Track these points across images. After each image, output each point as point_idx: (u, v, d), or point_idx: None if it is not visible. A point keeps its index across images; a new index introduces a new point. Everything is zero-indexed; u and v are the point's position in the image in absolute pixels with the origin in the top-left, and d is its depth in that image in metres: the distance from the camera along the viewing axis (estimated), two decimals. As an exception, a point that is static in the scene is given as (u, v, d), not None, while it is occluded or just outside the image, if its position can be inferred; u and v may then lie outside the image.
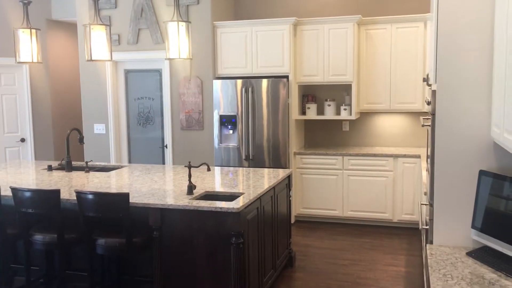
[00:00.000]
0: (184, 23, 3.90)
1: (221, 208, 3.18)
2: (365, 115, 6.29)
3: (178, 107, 6.28)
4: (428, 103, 2.94)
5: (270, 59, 5.92)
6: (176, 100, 6.28)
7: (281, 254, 4.24)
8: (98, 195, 3.32)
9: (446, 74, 2.48)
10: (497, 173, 2.39)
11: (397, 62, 5.82)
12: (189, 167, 3.51)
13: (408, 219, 5.66)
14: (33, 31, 4.39)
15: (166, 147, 6.42)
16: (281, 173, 4.35)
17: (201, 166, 4.19)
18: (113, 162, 6.52)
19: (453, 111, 2.49)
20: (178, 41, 3.84)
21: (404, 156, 5.62)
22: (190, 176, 3.52)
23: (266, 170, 4.59)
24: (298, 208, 6.04)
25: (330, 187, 5.90)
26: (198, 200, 3.39)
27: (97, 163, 5.21)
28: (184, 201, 3.32)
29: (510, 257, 2.21)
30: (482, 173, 2.44)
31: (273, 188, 3.95)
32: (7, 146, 7.09)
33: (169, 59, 4.01)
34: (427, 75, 3.77)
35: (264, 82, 5.87)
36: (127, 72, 6.59)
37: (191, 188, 3.51)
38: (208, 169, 3.59)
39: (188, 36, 3.94)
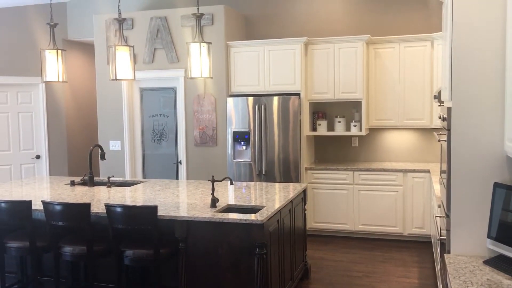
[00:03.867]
0: (205, 44, 4.09)
1: (245, 220, 3.33)
2: (374, 131, 6.47)
3: (192, 124, 6.46)
4: (444, 120, 3.10)
5: (282, 77, 6.12)
6: (190, 117, 6.46)
7: (298, 266, 4.37)
8: (127, 208, 3.47)
9: (461, 91, 2.64)
10: (511, 185, 2.53)
11: (405, 79, 6.01)
12: (213, 181, 3.67)
13: (418, 233, 5.79)
14: (59, 52, 4.59)
15: (180, 163, 6.58)
16: (298, 187, 4.50)
17: (223, 181, 4.34)
18: (128, 178, 6.67)
19: (468, 127, 2.64)
20: (200, 61, 4.03)
21: (414, 171, 5.78)
22: (213, 189, 3.67)
23: (282, 184, 4.74)
24: (310, 222, 6.17)
25: (341, 201, 6.04)
26: (223, 213, 3.54)
27: (117, 179, 5.36)
28: (209, 214, 3.47)
29: (526, 264, 2.34)
30: (496, 185, 2.58)
31: (291, 202, 4.10)
32: (22, 162, 7.25)
33: (192, 78, 4.19)
34: (439, 93, 3.95)
35: (276, 99, 6.06)
36: (143, 90, 6.79)
37: (214, 201, 3.67)
38: (231, 183, 3.74)
39: (209, 56, 4.14)
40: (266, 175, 6.13)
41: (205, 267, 3.53)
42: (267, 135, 6.12)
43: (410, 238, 5.89)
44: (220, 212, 3.60)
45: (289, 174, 6.05)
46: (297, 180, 6.00)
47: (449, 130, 2.77)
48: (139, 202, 3.97)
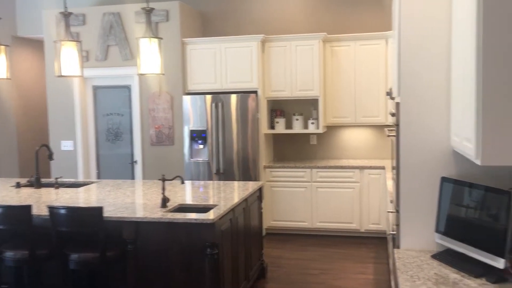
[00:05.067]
0: (156, 39, 3.97)
1: (195, 219, 3.24)
2: (332, 128, 6.48)
3: (148, 123, 6.30)
4: (393, 115, 3.11)
5: (239, 75, 6.05)
6: (146, 116, 6.30)
7: (253, 265, 4.31)
8: (71, 210, 3.31)
9: (408, 87, 2.64)
10: (457, 179, 2.55)
11: (361, 77, 6.05)
12: (163, 180, 3.56)
13: (375, 229, 5.84)
14: (2, 47, 4.36)
15: (136, 163, 6.40)
16: (253, 185, 4.44)
17: (173, 180, 4.22)
18: (81, 179, 6.44)
19: (415, 122, 2.64)
20: (150, 56, 3.90)
21: (370, 167, 5.82)
22: (164, 189, 3.56)
23: (237, 183, 4.67)
24: (269, 221, 6.13)
25: (299, 199, 6.02)
26: (173, 213, 3.43)
27: (66, 180, 5.15)
28: (158, 214, 3.36)
29: (472, 258, 2.35)
30: (443, 179, 2.59)
31: (245, 200, 4.03)
32: (-31, 164, 6.90)
33: (141, 74, 4.06)
34: (390, 89, 3.97)
35: (233, 97, 5.98)
36: (96, 88, 6.57)
37: (164, 201, 3.55)
38: (182, 182, 3.64)
39: (160, 51, 4.01)
40: (224, 174, 6.05)
41: (155, 269, 3.41)
42: (225, 133, 6.03)
43: (367, 234, 5.93)
44: (170, 212, 3.49)
45: (248, 172, 5.99)
46: (255, 178, 5.95)
47: (397, 125, 2.77)
48: (87, 204, 3.81)
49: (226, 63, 6.08)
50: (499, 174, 2.50)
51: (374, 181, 5.81)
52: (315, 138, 6.56)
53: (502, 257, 2.15)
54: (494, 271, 2.21)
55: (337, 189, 5.92)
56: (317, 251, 5.42)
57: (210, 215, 3.28)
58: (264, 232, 6.05)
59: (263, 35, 6.02)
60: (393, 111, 3.18)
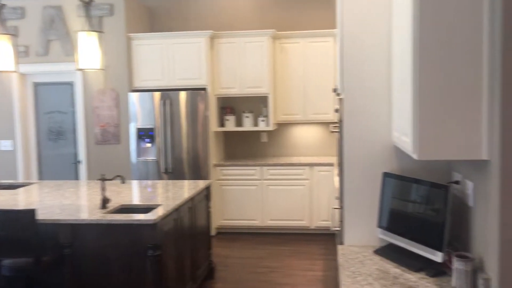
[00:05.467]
0: (95, 33, 3.79)
1: (136, 220, 3.11)
2: (283, 126, 6.47)
3: (93, 121, 6.06)
4: (337, 111, 3.09)
5: (188, 71, 5.92)
6: (90, 114, 6.06)
7: (201, 266, 4.21)
8: (1, 213, 3.10)
9: (351, 84, 2.63)
10: (398, 174, 2.56)
11: (310, 74, 6.07)
12: (102, 179, 3.40)
13: (324, 225, 5.87)
14: None
15: (80, 162, 6.15)
16: (200, 184, 4.34)
17: (113, 180, 4.07)
18: (21, 180, 6.12)
19: (358, 118, 2.63)
20: (89, 51, 3.73)
21: (319, 164, 5.85)
22: (103, 189, 3.40)
23: (184, 182, 4.55)
24: (219, 220, 6.04)
25: (250, 197, 5.97)
26: (112, 214, 3.28)
27: (3, 181, 4.86)
28: (97, 215, 3.20)
29: (412, 252, 2.36)
30: (385, 175, 2.60)
31: (191, 199, 3.92)
32: None
33: (80, 69, 3.87)
34: (337, 86, 3.98)
35: (182, 94, 5.85)
36: (37, 85, 6.26)
37: (104, 201, 3.40)
38: (122, 182, 3.49)
39: (101, 46, 3.84)
40: (173, 173, 5.91)
41: (94, 273, 3.25)
42: (173, 131, 5.89)
43: (317, 231, 5.95)
44: (110, 213, 3.34)
45: (198, 171, 5.87)
46: (206, 177, 5.84)
47: (341, 121, 2.75)
48: (21, 206, 3.59)
49: (174, 59, 5.94)
50: (438, 168, 2.53)
51: (324, 178, 5.84)
52: (266, 135, 6.53)
53: (440, 250, 2.17)
54: (433, 265, 2.22)
55: (287, 187, 5.91)
56: (267, 249, 5.38)
57: (152, 216, 3.16)
58: (214, 232, 5.97)
59: (211, 31, 5.92)
60: (338, 107, 3.17)
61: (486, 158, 1.87)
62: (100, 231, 3.20)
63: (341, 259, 2.50)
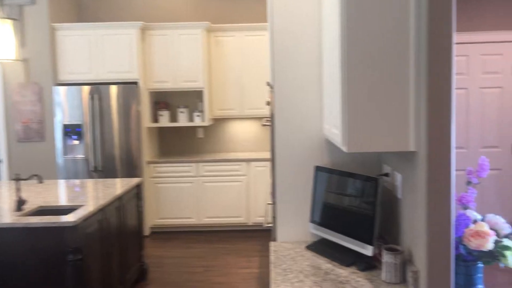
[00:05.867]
0: (9, 21, 3.47)
1: (54, 222, 2.87)
2: (219, 121, 6.34)
3: (14, 117, 5.63)
4: (268, 104, 3.01)
5: (118, 64, 5.64)
6: (11, 109, 5.62)
7: (131, 268, 4.00)
8: None
9: (282, 77, 2.56)
10: (330, 167, 2.51)
11: (247, 68, 5.97)
12: (17, 179, 3.11)
13: (262, 221, 5.81)
14: None
15: (1, 162, 5.70)
16: (128, 182, 4.12)
17: (33, 179, 3.76)
18: None
19: (290, 111, 2.56)
20: (2, 40, 3.40)
21: (256, 160, 5.77)
22: (18, 190, 3.12)
23: (114, 180, 4.31)
24: (153, 219, 5.82)
25: (186, 195, 5.80)
26: (28, 216, 3.02)
27: None
28: (10, 219, 2.92)
29: (344, 247, 2.32)
30: (317, 168, 2.54)
31: (119, 199, 3.70)
32: None
33: (-8, 59, 3.54)
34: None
35: (113, 88, 5.57)
36: (-52, 78, 5.73)
37: (20, 203, 3.11)
38: (40, 181, 3.22)
39: (16, 35, 3.52)
40: (103, 171, 5.61)
41: (9, 281, 2.97)
42: (104, 127, 5.59)
43: (255, 227, 5.89)
44: (26, 215, 3.06)
45: (131, 169, 5.62)
46: (139, 175, 5.60)
47: (272, 114, 2.67)
48: None
49: (103, 51, 5.64)
50: (369, 161, 2.52)
51: (261, 174, 5.77)
52: (202, 131, 6.37)
53: (371, 244, 2.14)
54: (364, 258, 2.19)
55: (224, 183, 5.79)
56: (203, 247, 5.24)
57: (72, 217, 2.93)
58: (148, 231, 5.74)
59: (142, 22, 5.67)
60: (269, 100, 3.09)
61: (413, 150, 1.87)
62: (16, 235, 2.93)
63: (273, 256, 2.42)
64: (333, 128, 2.17)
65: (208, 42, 5.93)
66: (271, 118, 2.73)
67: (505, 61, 4.84)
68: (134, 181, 4.18)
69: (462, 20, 4.67)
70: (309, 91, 2.55)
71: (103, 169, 5.61)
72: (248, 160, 5.77)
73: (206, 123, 5.93)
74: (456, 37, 1.70)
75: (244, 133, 6.37)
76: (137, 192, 4.21)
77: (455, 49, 1.69)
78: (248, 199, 5.80)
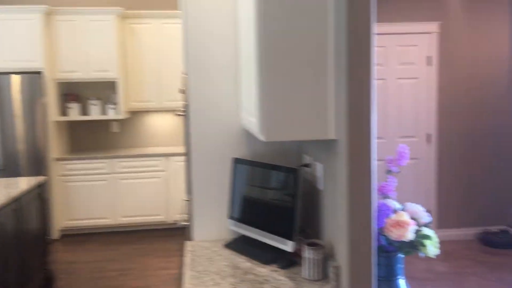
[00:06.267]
0: None
1: None
2: (136, 114, 5.99)
3: None
4: (183, 92, 2.78)
5: (19, 52, 5.12)
6: None
7: (33, 277, 3.60)
8: None
9: (197, 64, 2.37)
10: (249, 159, 2.36)
11: (164, 58, 5.67)
12: None
13: (180, 219, 5.58)
14: None
15: None
16: (29, 181, 3.70)
17: None
18: None
19: (205, 99, 2.39)
20: None
21: (176, 154, 5.51)
22: None
23: (14, 179, 3.87)
24: (63, 221, 5.37)
25: (99, 193, 5.40)
26: None
27: None
28: None
29: (264, 243, 2.18)
30: (235, 160, 2.38)
31: (16, 200, 3.30)
32: None
33: None
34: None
35: (15, 78, 5.05)
36: None
37: None
38: None
39: None
40: (5, 170, 5.08)
41: None
42: (4, 121, 5.05)
43: (175, 226, 5.63)
44: None
45: (36, 167, 5.12)
46: (46, 173, 5.12)
47: (187, 103, 2.46)
48: None
49: (2, 38, 5.08)
50: (290, 152, 2.42)
51: (181, 169, 5.52)
52: (117, 125, 5.98)
53: (291, 239, 2.01)
54: (286, 255, 2.06)
55: (142, 180, 5.47)
56: (119, 249, 4.91)
57: (-46, 224, 2.53)
58: (57, 235, 5.29)
59: (47, 6, 5.17)
60: (183, 87, 2.87)
61: (334, 138, 1.77)
62: None
63: (188, 257, 2.22)
64: (250, 116, 2.02)
65: (122, 29, 5.55)
66: (185, 107, 2.52)
67: (419, 52, 4.97)
68: (36, 180, 3.77)
69: (380, 11, 4.72)
70: (225, 77, 2.38)
71: (5, 167, 5.07)
72: (167, 155, 5.49)
73: (121, 116, 5.56)
74: (375, 27, 1.63)
75: (162, 126, 6.07)
76: (39, 192, 3.80)
77: (375, 39, 1.63)
78: (167, 196, 5.52)
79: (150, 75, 5.67)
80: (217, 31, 2.35)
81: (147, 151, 5.62)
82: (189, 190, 2.59)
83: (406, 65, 4.96)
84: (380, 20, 4.68)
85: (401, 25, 4.91)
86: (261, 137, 1.79)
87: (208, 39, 2.35)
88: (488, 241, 4.96)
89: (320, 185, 2.05)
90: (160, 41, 5.64)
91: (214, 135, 2.40)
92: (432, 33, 4.94)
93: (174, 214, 5.56)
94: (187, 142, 2.53)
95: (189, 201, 2.62)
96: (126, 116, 5.72)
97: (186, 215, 3.03)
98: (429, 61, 4.97)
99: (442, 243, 4.82)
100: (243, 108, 2.27)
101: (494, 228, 5.13)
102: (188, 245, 2.39)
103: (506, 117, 5.11)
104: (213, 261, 2.14)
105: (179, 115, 2.83)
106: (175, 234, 5.40)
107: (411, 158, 5.01)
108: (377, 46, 4.81)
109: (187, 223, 2.76)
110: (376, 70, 4.77)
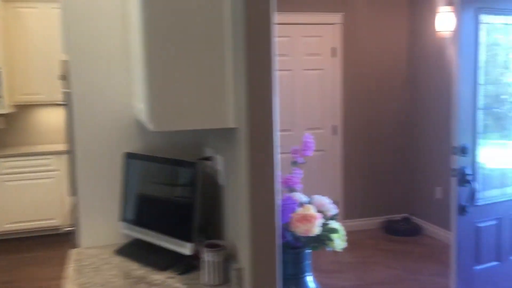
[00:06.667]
0: None
1: None
2: (25, 108, 5.40)
3: None
4: (63, 78, 2.44)
5: None
6: None
7: None
8: None
9: (80, 47, 2.06)
10: (143, 153, 2.10)
11: (55, 46, 5.13)
12: None
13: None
14: None
15: None
16: None
17: None
18: None
19: (91, 87, 2.09)
20: None
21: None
22: None
23: None
24: None
25: (-20, 198, 4.78)
26: None
27: None
28: None
29: (160, 247, 1.94)
30: (127, 155, 2.12)
31: None
32: None
33: None
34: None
35: None
36: None
37: None
38: None
39: None
40: None
41: None
42: None
43: (71, 230, 5.15)
44: None
45: None
46: None
47: (69, 91, 2.14)
48: None
49: None
50: (189, 145, 2.21)
51: (77, 168, 5.05)
52: (2, 120, 5.34)
53: (190, 241, 1.80)
54: (185, 259, 1.85)
55: (31, 181, 4.94)
56: (4, 260, 4.40)
57: None
58: None
59: None
60: (63, 73, 2.53)
61: (232, 126, 1.59)
62: None
63: (71, 267, 1.93)
64: (140, 103, 1.78)
65: (4, 14, 4.95)
66: (67, 95, 2.20)
67: (324, 43, 4.98)
68: None
69: (284, 1, 4.63)
70: (116, 64, 2.12)
71: None
72: (59, 153, 5.00)
73: (5, 111, 4.98)
74: (277, 17, 1.54)
75: (54, 121, 5.52)
76: None
77: (277, 29, 1.51)
78: (62, 198, 5.03)
79: (39, 65, 5.13)
80: (104, 11, 2.07)
81: (36, 149, 5.08)
82: (74, 191, 2.29)
83: (311, 56, 4.95)
84: (284, 9, 4.59)
85: (305, 15, 4.87)
86: (151, 127, 1.57)
87: (93, 14, 2.05)
88: (391, 229, 5.12)
89: (221, 180, 1.87)
90: (50, 26, 5.10)
91: (103, 128, 2.12)
92: (335, 24, 4.97)
93: (70, 218, 5.09)
94: (70, 135, 2.22)
95: (75, 203, 2.32)
96: (12, 110, 5.13)
97: (72, 219, 2.70)
98: (333, 52, 5.00)
99: (348, 234, 4.85)
100: (135, 97, 2.02)
101: (397, 217, 5.32)
102: (73, 253, 2.09)
103: (406, 107, 5.30)
104: (100, 271, 1.88)
105: (60, 104, 2.48)
106: (71, 239, 4.94)
107: (318, 150, 5.02)
108: (282, 36, 4.72)
109: (73, 228, 2.45)
110: (279, 60, 4.69)
